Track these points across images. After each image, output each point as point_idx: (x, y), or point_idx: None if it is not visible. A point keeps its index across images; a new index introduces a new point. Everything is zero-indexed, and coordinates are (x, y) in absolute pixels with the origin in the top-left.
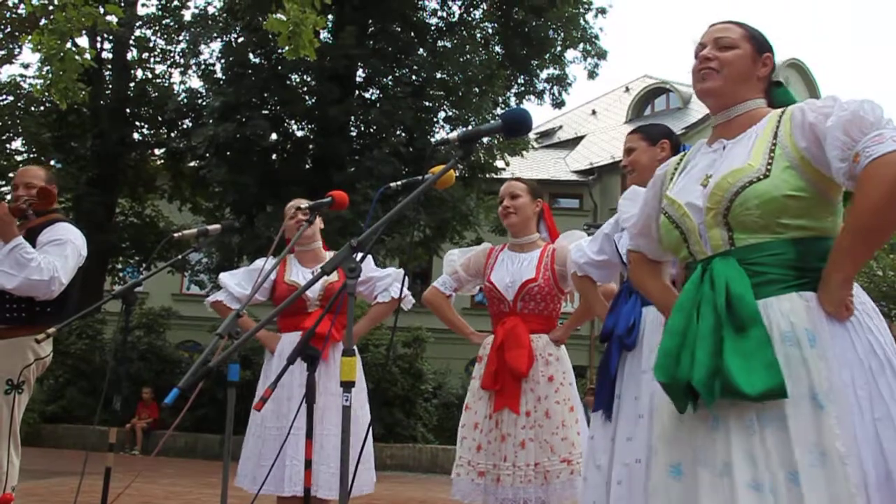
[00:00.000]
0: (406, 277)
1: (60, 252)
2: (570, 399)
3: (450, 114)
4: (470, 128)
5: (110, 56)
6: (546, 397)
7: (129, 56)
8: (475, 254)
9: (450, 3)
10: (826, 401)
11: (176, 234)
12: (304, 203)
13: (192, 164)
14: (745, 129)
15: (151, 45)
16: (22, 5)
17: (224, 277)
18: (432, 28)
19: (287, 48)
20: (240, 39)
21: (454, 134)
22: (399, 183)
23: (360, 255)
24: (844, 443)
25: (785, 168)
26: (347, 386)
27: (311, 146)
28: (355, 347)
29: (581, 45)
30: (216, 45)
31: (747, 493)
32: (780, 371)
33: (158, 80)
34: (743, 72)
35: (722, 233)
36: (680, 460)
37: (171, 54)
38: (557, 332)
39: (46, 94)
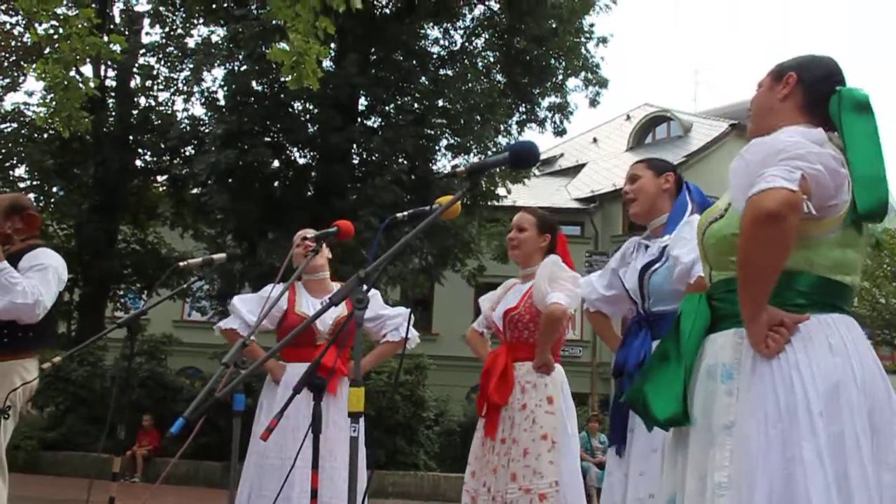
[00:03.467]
0: (412, 316)
1: (43, 277)
2: (543, 427)
3: (452, 142)
4: (476, 159)
5: (114, 84)
6: (518, 425)
7: (132, 84)
8: (499, 292)
9: (451, 33)
10: (722, 434)
11: (181, 264)
12: (311, 233)
13: (194, 191)
14: None
15: (155, 72)
16: (27, 34)
17: (236, 303)
18: (434, 57)
19: (290, 78)
20: (243, 67)
21: (461, 167)
22: (405, 214)
23: (367, 286)
24: (730, 475)
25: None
26: (356, 417)
27: (313, 174)
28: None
29: (582, 74)
30: (219, 73)
31: None
32: (681, 402)
33: (161, 108)
34: (759, 106)
35: (707, 268)
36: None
37: (175, 82)
38: (536, 359)
39: (49, 122)
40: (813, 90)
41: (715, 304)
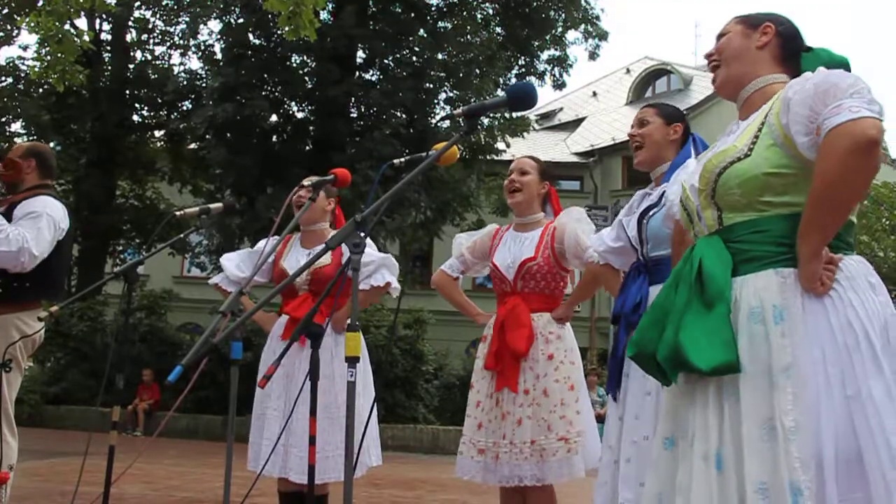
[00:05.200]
0: (394, 263)
1: (34, 224)
2: (570, 378)
3: (450, 95)
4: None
5: (109, 37)
6: (545, 375)
7: (128, 37)
8: (481, 236)
9: None
10: (782, 377)
11: (178, 213)
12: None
13: (192, 146)
14: (759, 108)
15: (150, 26)
16: None
17: (224, 259)
18: (432, 9)
19: (287, 29)
20: (239, 20)
21: (459, 109)
22: (402, 160)
23: (363, 231)
24: (797, 419)
25: (769, 146)
26: (352, 361)
27: (311, 127)
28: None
29: (582, 26)
30: (215, 26)
31: (699, 464)
32: (734, 348)
33: (158, 62)
34: (735, 52)
35: (713, 213)
36: (672, 433)
37: (171, 35)
38: (559, 310)
39: (44, 76)
40: (789, 43)
41: (736, 246)
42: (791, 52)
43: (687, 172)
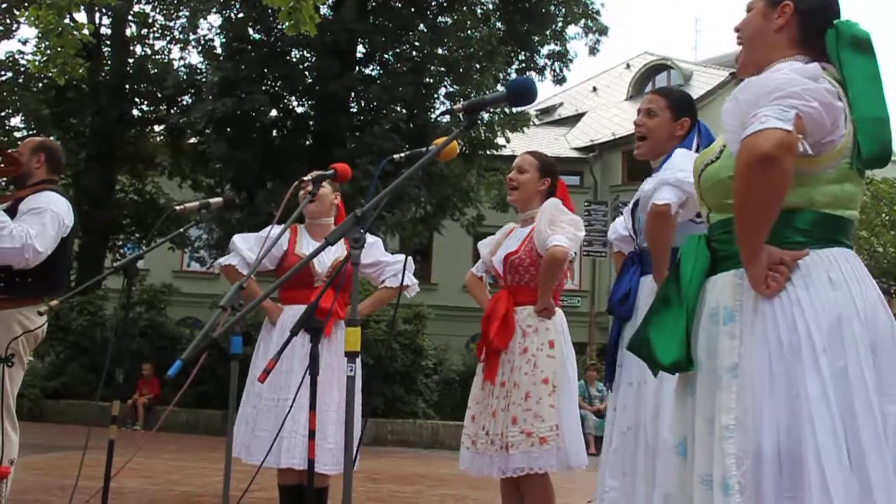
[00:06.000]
0: (411, 264)
1: (37, 220)
2: (543, 371)
3: (451, 90)
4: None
5: (109, 32)
6: (519, 369)
7: (127, 32)
8: (497, 237)
9: None
10: (728, 376)
11: (178, 208)
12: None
13: (191, 140)
14: None
15: (150, 20)
16: None
17: (237, 240)
18: (432, 3)
19: (287, 24)
20: (239, 15)
21: (459, 104)
22: (402, 155)
23: (363, 225)
24: (737, 417)
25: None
26: (352, 356)
27: (311, 122)
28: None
29: (582, 21)
30: (215, 20)
31: (670, 448)
32: (685, 346)
33: (158, 56)
34: (753, 34)
35: (705, 210)
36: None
37: (171, 30)
38: (537, 303)
39: (44, 70)
40: (809, 22)
41: (714, 245)
42: (811, 31)
43: (672, 165)
